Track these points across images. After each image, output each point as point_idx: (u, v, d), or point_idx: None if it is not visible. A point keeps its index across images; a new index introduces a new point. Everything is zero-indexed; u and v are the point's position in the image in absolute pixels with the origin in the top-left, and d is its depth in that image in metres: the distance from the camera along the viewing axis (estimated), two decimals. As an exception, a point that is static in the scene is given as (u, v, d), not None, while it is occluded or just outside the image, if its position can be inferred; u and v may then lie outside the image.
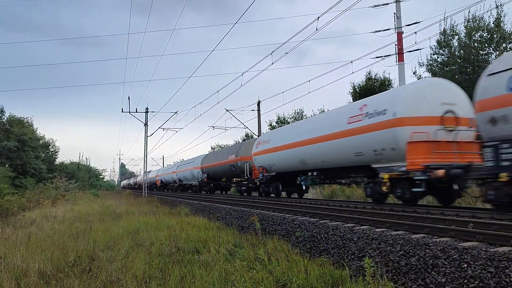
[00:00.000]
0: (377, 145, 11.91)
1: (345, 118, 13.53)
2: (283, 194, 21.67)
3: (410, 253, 5.37)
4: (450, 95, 11.21)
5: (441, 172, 9.93)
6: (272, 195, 20.92)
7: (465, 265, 4.56)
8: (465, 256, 4.77)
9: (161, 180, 51.90)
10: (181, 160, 50.87)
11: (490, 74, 8.88)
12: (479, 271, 4.37)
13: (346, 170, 14.76)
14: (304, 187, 19.61)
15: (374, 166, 12.62)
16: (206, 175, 32.04)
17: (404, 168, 10.99)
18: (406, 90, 12.23)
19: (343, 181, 16.46)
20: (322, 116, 19.60)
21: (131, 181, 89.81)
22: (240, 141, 45.33)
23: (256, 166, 21.60)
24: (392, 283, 4.71)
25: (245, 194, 25.23)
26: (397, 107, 11.27)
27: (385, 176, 11.73)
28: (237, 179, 26.50)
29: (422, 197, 12.11)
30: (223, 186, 31.31)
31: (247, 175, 23.63)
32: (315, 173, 16.41)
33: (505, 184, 8.13)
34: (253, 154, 21.86)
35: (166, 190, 49.60)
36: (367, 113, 12.50)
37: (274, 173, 20.18)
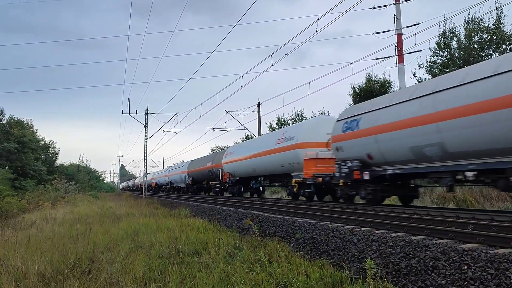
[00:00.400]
0: (290, 159, 17.99)
1: (274, 140, 19.81)
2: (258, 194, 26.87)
3: (410, 255, 5.37)
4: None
5: (320, 179, 15.52)
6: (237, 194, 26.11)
7: (465, 267, 4.56)
8: (465, 258, 4.77)
9: (156, 182, 56.73)
10: (174, 164, 55.95)
11: (337, 120, 14.57)
12: (479, 273, 4.36)
13: (279, 176, 20.43)
14: (261, 189, 25.07)
15: (292, 174, 18.17)
16: (191, 179, 37.87)
17: (302, 176, 16.68)
18: (305, 124, 18.96)
19: (277, 184, 23.36)
20: (263, 137, 25.85)
21: (130, 183, 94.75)
22: (241, 142, 45.53)
23: (226, 172, 27.28)
24: (392, 285, 4.70)
25: (219, 194, 31.01)
26: (299, 135, 17.58)
27: (293, 181, 17.65)
28: (213, 182, 32.30)
29: (313, 195, 17.23)
30: (205, 188, 36.38)
31: (219, 179, 29.54)
32: (262, 178, 22.83)
33: (344, 186, 13.86)
34: (223, 162, 27.59)
35: (161, 192, 53.93)
36: (285, 138, 18.73)
37: (237, 178, 25.75)
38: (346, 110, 14.76)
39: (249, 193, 27.16)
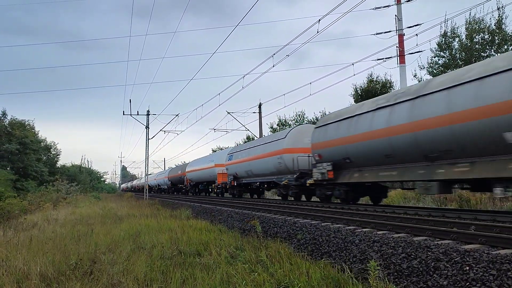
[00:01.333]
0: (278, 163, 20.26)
1: (265, 145, 22.12)
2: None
3: (412, 256, 5.36)
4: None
5: (301, 180, 17.87)
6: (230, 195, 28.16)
7: (467, 268, 4.55)
8: (467, 259, 4.76)
9: (148, 184, 62.62)
10: (171, 167, 65.16)
11: (315, 127, 16.47)
12: (481, 273, 4.35)
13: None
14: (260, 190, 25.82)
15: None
16: (170, 182, 49.55)
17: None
18: (290, 132, 20.03)
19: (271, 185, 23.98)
20: (255, 142, 26.23)
21: (128, 184, 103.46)
22: (241, 142, 45.58)
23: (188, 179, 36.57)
24: (394, 286, 4.70)
25: (175, 193, 41.26)
26: (283, 142, 19.65)
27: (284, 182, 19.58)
28: (181, 184, 44.61)
29: (300, 196, 19.10)
30: (179, 189, 45.98)
31: (185, 184, 39.25)
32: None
33: (322, 187, 15.66)
34: (187, 171, 37.40)
35: (153, 192, 62.16)
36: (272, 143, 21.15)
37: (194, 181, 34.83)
38: (321, 119, 17.26)
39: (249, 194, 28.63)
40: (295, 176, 18.16)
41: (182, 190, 43.88)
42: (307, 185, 16.50)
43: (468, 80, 9.29)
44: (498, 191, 8.57)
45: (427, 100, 10.32)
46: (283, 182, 19.24)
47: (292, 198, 19.42)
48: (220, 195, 30.15)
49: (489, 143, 8.74)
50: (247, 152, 24.19)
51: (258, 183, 23.79)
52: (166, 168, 70.33)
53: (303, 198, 19.50)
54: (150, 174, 63.92)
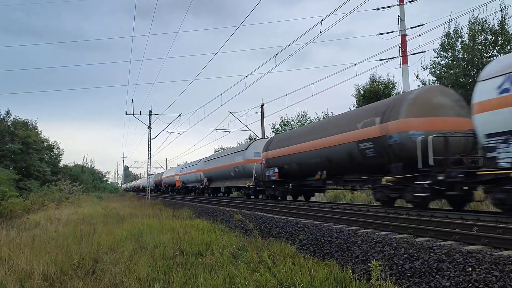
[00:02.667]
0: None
1: (231, 156, 28.17)
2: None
3: (414, 257, 5.35)
4: None
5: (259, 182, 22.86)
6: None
7: (470, 269, 4.54)
8: (470, 260, 4.75)
9: (141, 186, 77.58)
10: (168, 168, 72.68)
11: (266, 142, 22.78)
12: (484, 275, 4.34)
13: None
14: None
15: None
16: (155, 184, 60.56)
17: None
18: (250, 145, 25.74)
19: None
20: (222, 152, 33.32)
21: (128, 185, 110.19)
22: (243, 142, 45.62)
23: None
24: (396, 287, 4.69)
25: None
26: (246, 153, 25.38)
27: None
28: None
29: (257, 195, 23.55)
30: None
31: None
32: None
33: (269, 189, 21.30)
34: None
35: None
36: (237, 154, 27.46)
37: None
38: (270, 139, 23.83)
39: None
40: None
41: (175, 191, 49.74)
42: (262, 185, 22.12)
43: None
44: None
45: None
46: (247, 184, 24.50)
47: (253, 196, 23.99)
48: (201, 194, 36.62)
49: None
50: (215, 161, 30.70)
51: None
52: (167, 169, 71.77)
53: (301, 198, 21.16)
54: (142, 177, 68.89)
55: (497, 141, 8.41)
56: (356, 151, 13.00)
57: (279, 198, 20.58)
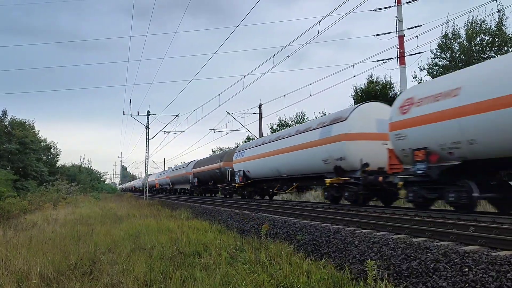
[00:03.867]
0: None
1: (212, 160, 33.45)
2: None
3: (412, 257, 5.37)
4: None
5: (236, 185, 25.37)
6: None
7: (467, 269, 4.56)
8: (467, 260, 4.77)
9: (134, 186, 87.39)
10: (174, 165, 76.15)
11: (235, 152, 27.05)
12: (481, 275, 4.36)
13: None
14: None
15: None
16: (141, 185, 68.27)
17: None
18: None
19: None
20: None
21: (124, 185, 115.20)
22: (241, 143, 45.72)
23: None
24: (393, 287, 4.70)
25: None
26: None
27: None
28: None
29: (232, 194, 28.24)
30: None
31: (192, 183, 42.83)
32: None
33: (242, 189, 25.52)
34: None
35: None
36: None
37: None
38: (240, 146, 28.43)
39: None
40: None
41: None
42: (237, 187, 25.45)
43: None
44: None
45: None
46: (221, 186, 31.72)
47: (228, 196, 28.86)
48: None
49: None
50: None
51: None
52: (166, 169, 72.10)
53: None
54: (150, 174, 70.13)
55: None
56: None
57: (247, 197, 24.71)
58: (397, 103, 11.59)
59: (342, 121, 14.67)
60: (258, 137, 34.17)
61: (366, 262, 4.96)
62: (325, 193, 15.94)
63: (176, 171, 46.56)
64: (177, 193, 47.06)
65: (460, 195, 9.34)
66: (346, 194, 14.42)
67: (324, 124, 15.82)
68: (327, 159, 15.21)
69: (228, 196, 28.92)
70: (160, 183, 56.36)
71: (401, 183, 11.19)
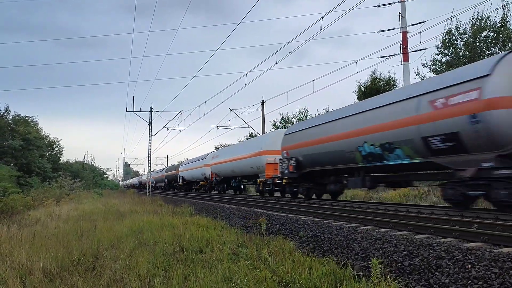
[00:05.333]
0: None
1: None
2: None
3: (414, 254, 5.36)
4: None
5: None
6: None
7: (469, 266, 4.55)
8: (469, 257, 4.76)
9: (132, 183, 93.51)
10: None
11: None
12: (483, 272, 4.35)
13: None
14: (242, 187, 29.24)
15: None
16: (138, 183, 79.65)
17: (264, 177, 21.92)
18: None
19: (249, 183, 28.97)
20: (239, 144, 32.69)
21: (124, 182, 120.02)
22: (245, 139, 45.73)
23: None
24: (395, 283, 4.70)
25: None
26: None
27: (259, 180, 23.28)
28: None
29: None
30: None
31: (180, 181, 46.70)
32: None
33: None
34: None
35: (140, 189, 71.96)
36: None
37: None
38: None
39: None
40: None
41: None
42: (284, 183, 21.17)
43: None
44: None
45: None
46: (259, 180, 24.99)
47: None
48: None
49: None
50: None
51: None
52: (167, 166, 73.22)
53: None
54: (153, 171, 70.26)
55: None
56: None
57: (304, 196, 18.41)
58: None
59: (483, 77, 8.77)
60: (261, 133, 34.11)
61: (370, 259, 4.96)
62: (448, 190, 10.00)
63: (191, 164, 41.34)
64: (193, 190, 41.16)
65: None
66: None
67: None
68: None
69: (266, 195, 23.06)
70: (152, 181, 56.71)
71: None
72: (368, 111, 12.70)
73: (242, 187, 28.98)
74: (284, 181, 18.86)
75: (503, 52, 14.60)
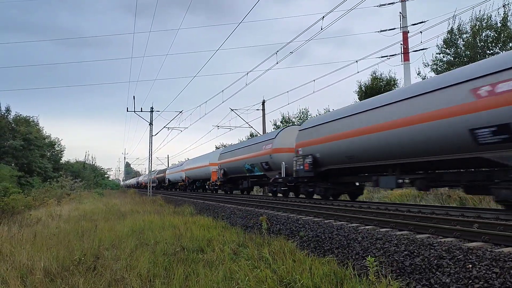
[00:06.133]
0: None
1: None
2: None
3: (415, 253, 5.36)
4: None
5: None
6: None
7: (470, 266, 4.54)
8: (470, 257, 4.75)
9: (131, 184, 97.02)
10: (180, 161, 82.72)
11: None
12: (484, 271, 4.35)
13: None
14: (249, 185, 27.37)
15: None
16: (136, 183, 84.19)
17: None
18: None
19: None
20: (249, 141, 28.07)
21: (126, 182, 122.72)
22: (245, 139, 45.78)
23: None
24: (396, 283, 4.70)
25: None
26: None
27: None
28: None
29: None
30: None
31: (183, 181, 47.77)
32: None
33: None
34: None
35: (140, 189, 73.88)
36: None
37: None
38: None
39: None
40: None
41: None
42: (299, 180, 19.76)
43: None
44: None
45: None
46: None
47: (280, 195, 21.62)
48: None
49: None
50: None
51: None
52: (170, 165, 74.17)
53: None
54: (133, 177, 75.88)
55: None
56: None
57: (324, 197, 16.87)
58: None
59: None
60: (262, 133, 34.11)
61: (367, 258, 4.95)
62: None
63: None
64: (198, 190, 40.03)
65: None
66: None
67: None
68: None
69: (280, 195, 21.42)
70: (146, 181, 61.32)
71: None
72: (419, 96, 10.42)
73: (250, 186, 26.42)
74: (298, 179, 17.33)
75: None
